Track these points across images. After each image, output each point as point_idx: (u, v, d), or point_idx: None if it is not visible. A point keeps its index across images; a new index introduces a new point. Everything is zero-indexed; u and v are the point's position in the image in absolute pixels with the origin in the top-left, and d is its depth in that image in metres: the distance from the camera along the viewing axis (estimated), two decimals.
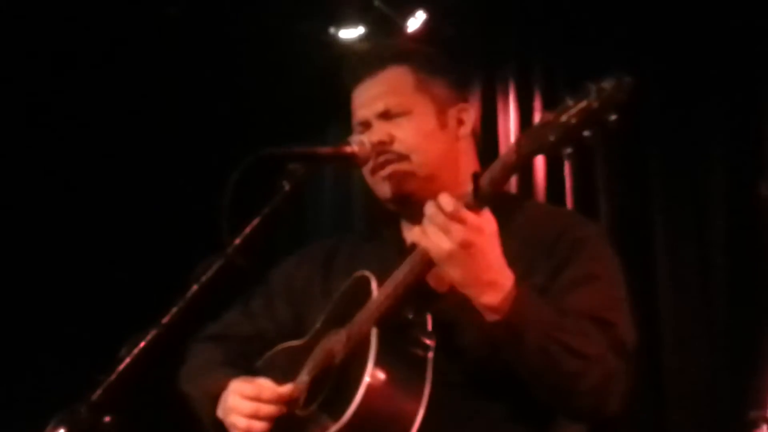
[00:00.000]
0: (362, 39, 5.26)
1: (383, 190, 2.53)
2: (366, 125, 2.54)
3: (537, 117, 5.14)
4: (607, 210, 4.87)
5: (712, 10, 4.61)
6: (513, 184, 5.12)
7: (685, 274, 4.67)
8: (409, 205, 2.50)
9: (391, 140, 2.50)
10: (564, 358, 2.20)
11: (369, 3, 5.15)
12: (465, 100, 2.65)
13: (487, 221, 2.18)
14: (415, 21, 5.08)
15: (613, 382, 2.27)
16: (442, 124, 2.56)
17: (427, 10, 5.09)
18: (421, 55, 2.64)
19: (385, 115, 2.52)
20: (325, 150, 2.47)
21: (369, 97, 2.56)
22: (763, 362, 4.20)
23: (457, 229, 2.14)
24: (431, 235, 2.17)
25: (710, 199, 4.67)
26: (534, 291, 2.28)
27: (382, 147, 2.49)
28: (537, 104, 5.20)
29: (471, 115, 2.63)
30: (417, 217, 2.29)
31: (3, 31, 4.90)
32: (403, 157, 2.50)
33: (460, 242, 2.14)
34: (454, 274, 2.18)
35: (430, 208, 2.18)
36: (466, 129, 2.60)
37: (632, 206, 4.85)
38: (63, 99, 5.21)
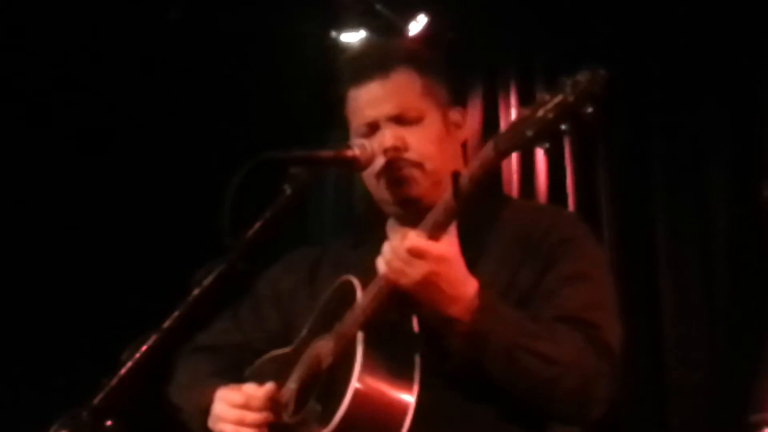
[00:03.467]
0: (363, 42, 5.27)
1: (390, 194, 2.52)
2: (374, 127, 2.51)
3: None
4: (610, 212, 4.86)
5: (715, 12, 4.61)
6: (514, 186, 5.13)
7: (687, 276, 4.67)
8: (412, 208, 2.49)
9: (405, 147, 2.48)
10: (533, 365, 2.22)
11: (370, 6, 5.15)
12: (458, 102, 2.64)
13: (448, 246, 2.21)
14: (417, 24, 5.08)
15: (594, 386, 2.27)
16: (448, 129, 2.56)
17: (428, 13, 5.09)
18: (424, 58, 2.61)
19: (398, 120, 2.50)
20: (327, 154, 2.47)
21: (377, 98, 2.52)
22: (764, 365, 4.20)
23: (420, 264, 2.18)
24: (396, 269, 2.21)
25: (712, 201, 4.66)
26: (502, 297, 2.29)
27: (395, 153, 2.47)
28: None
29: (466, 117, 2.63)
30: (414, 220, 2.32)
31: (4, 34, 4.90)
32: (416, 165, 2.48)
33: (425, 274, 2.18)
34: (421, 299, 2.23)
35: (392, 243, 2.23)
36: (464, 132, 2.60)
37: (634, 208, 4.85)
38: (64, 102, 5.21)
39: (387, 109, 2.50)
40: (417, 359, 2.26)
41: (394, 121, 2.50)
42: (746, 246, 4.50)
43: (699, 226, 4.70)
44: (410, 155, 2.48)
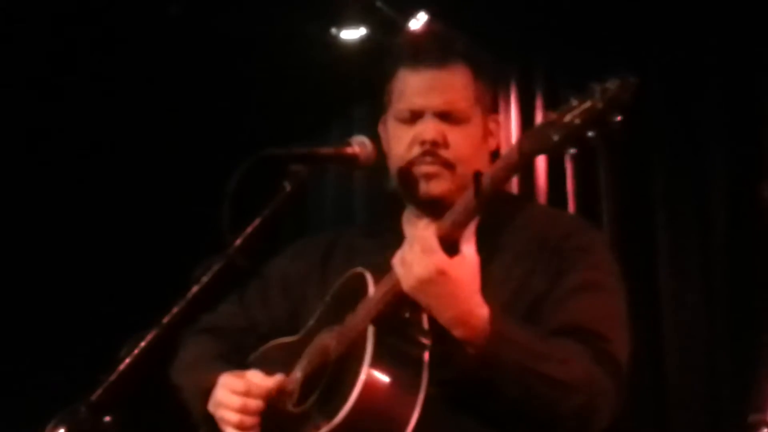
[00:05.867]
0: (364, 40, 5.27)
1: (416, 187, 2.50)
2: (417, 115, 2.49)
3: (538, 118, 5.16)
4: (609, 213, 4.86)
5: (714, 12, 4.61)
6: (514, 186, 5.13)
7: (687, 277, 4.66)
8: (433, 205, 2.48)
9: (445, 144, 2.47)
10: (541, 388, 2.23)
11: (371, 4, 5.15)
12: (496, 110, 2.64)
13: (468, 257, 2.21)
14: (417, 22, 5.08)
15: (600, 403, 2.29)
16: (485, 136, 2.56)
17: (428, 11, 5.09)
18: (480, 60, 2.58)
19: (445, 116, 2.49)
20: (327, 150, 2.46)
21: (429, 88, 2.50)
22: (763, 366, 4.20)
23: (428, 261, 2.17)
24: (407, 260, 2.20)
25: (712, 201, 4.66)
26: (515, 319, 2.29)
27: (433, 148, 2.47)
28: (539, 105, 5.19)
29: (500, 126, 2.63)
30: (432, 214, 2.36)
31: (3, 31, 4.90)
32: (449, 165, 2.47)
33: (433, 270, 2.17)
34: (421, 301, 2.22)
35: (414, 234, 2.23)
36: (496, 141, 2.60)
37: (634, 208, 4.84)
38: (63, 99, 5.21)
39: (437, 102, 2.49)
40: (425, 357, 2.26)
41: (439, 115, 2.48)
42: (746, 246, 4.50)
43: (699, 226, 4.69)
44: (446, 153, 2.47)
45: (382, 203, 2.64)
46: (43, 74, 5.12)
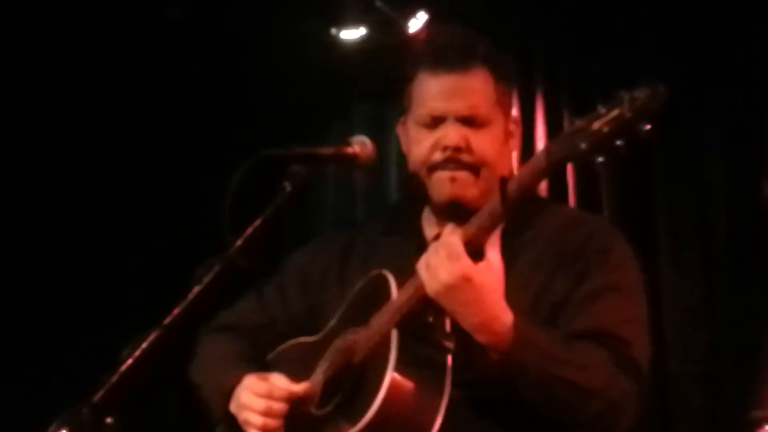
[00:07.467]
0: (363, 40, 5.27)
1: (439, 191, 2.50)
2: (438, 120, 2.49)
3: (539, 121, 5.16)
4: (610, 211, 4.85)
5: (715, 11, 4.61)
6: None
7: (688, 275, 4.67)
8: (456, 209, 2.47)
9: (468, 148, 2.46)
10: (563, 393, 2.23)
11: (370, 4, 5.15)
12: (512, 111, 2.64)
13: (493, 262, 2.21)
14: (417, 22, 5.08)
15: (621, 408, 2.30)
16: (506, 138, 2.55)
17: (428, 10, 5.08)
18: (501, 62, 2.57)
19: (468, 120, 2.47)
20: (327, 151, 2.46)
21: (451, 92, 2.49)
22: (765, 362, 4.20)
23: (453, 267, 2.17)
24: (432, 266, 2.21)
25: (713, 199, 4.66)
26: (537, 324, 2.29)
27: (456, 153, 2.46)
28: (539, 107, 5.19)
29: (521, 127, 2.63)
30: (453, 216, 2.35)
31: (3, 34, 4.90)
32: (473, 169, 2.47)
33: (459, 276, 2.17)
34: (446, 306, 2.22)
35: (439, 239, 2.22)
36: (517, 142, 2.60)
37: (635, 206, 4.84)
38: (65, 101, 5.20)
39: (459, 107, 2.48)
40: (449, 361, 2.26)
41: (461, 120, 2.47)
42: (746, 244, 4.51)
43: (700, 225, 4.69)
44: (470, 158, 2.47)
45: (383, 203, 2.64)
46: (45, 78, 5.12)
